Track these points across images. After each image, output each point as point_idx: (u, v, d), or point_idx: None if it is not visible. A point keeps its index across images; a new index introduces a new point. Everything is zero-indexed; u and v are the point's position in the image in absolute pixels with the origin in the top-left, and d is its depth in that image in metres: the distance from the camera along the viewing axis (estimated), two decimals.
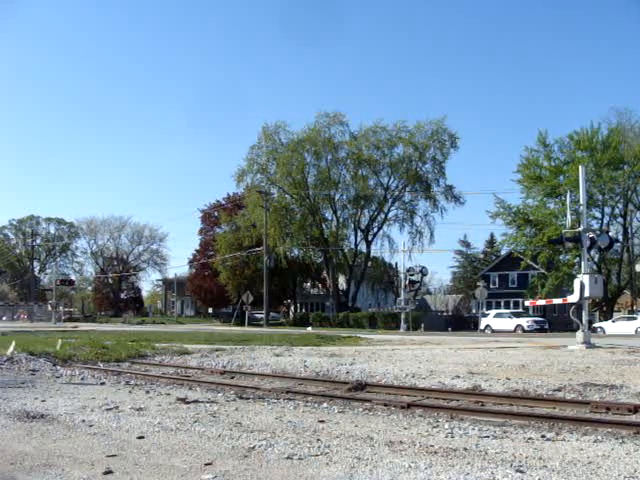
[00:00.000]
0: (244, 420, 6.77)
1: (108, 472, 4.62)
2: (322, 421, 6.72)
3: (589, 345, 17.11)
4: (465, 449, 5.30)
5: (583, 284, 17.61)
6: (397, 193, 54.36)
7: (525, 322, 43.10)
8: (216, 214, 64.32)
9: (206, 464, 4.83)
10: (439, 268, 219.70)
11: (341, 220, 54.65)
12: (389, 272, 64.14)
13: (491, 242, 77.08)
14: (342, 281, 58.66)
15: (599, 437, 5.87)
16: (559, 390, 9.03)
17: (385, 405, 7.96)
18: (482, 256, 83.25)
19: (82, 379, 10.90)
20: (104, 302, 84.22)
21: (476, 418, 7.08)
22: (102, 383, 10.33)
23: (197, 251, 67.73)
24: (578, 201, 19.62)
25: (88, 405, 7.76)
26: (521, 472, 4.51)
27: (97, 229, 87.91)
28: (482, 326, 44.11)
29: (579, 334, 17.59)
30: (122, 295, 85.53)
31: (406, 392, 9.13)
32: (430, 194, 53.38)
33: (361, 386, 9.54)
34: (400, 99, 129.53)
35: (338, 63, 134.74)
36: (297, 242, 53.63)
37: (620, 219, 48.19)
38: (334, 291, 55.46)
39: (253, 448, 5.39)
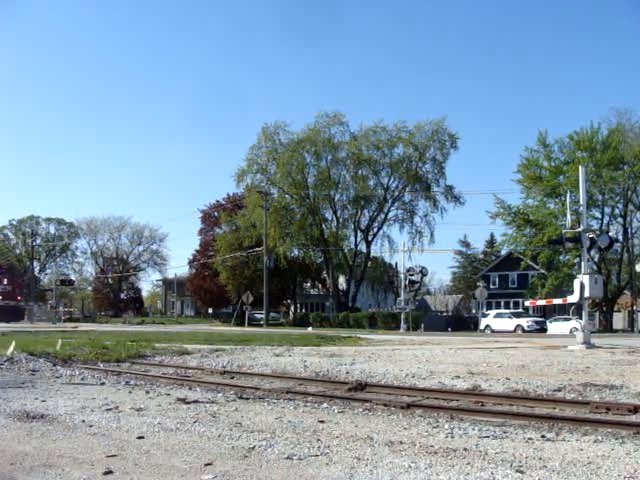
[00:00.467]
0: (244, 420, 6.77)
1: (108, 472, 4.63)
2: (322, 421, 6.72)
3: (589, 345, 17.11)
4: (465, 449, 5.30)
5: (583, 284, 17.62)
6: (397, 193, 54.39)
7: (525, 322, 43.13)
8: (216, 214, 64.35)
9: (206, 464, 4.84)
10: (439, 268, 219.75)
11: (341, 220, 54.67)
12: (389, 272, 64.15)
13: (491, 242, 77.12)
14: (342, 281, 58.68)
15: (599, 437, 5.87)
16: (559, 390, 9.03)
17: (385, 405, 7.96)
18: (482, 256, 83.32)
19: (82, 379, 10.90)
20: (104, 302, 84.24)
21: (476, 418, 7.08)
22: (102, 383, 10.33)
23: (197, 251, 67.78)
24: (578, 201, 19.63)
25: (88, 405, 7.76)
26: (521, 472, 4.51)
27: (97, 229, 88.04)
28: (482, 326, 44.13)
29: (579, 334, 17.60)
30: (122, 295, 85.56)
31: (406, 392, 9.13)
32: (430, 194, 53.40)
33: (361, 386, 9.54)
34: (400, 99, 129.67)
35: (338, 63, 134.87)
36: (297, 242, 53.64)
37: (620, 219, 48.20)
38: (334, 291, 55.47)
39: (253, 448, 5.39)
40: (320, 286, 66.45)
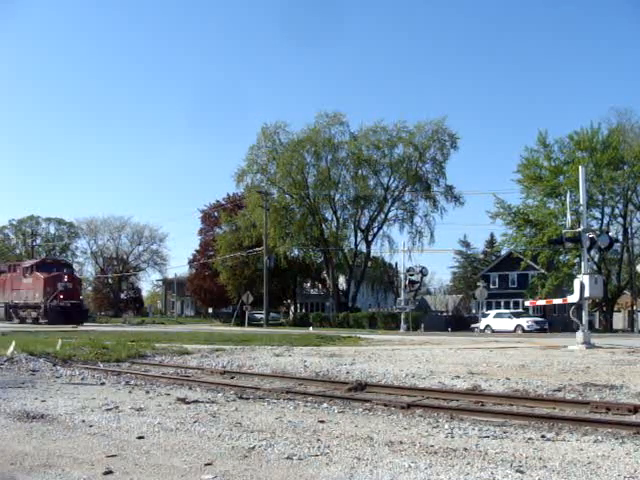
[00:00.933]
0: (244, 420, 6.77)
1: (108, 472, 4.63)
2: (322, 421, 6.72)
3: (589, 345, 17.11)
4: (465, 449, 5.30)
5: (583, 284, 17.61)
6: (397, 193, 54.39)
7: (525, 322, 43.11)
8: (216, 214, 64.35)
9: (206, 464, 4.84)
10: (439, 268, 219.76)
11: (341, 220, 54.68)
12: (389, 272, 64.14)
13: (491, 242, 77.14)
14: (342, 281, 58.67)
15: (599, 437, 5.87)
16: (559, 390, 9.03)
17: (385, 405, 7.96)
18: (482, 256, 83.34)
19: (82, 379, 10.90)
20: (104, 302, 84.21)
21: (476, 418, 7.08)
22: (102, 383, 10.33)
23: (197, 251, 67.76)
24: (578, 201, 19.63)
25: (88, 405, 7.76)
26: (521, 472, 4.51)
27: (97, 229, 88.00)
28: (482, 326, 44.12)
29: (579, 334, 17.60)
30: (122, 295, 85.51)
31: (406, 392, 9.13)
32: (430, 194, 53.40)
33: (361, 386, 9.54)
34: (400, 99, 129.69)
35: (338, 63, 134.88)
36: (297, 242, 53.62)
37: (620, 219, 48.24)
38: (334, 291, 55.46)
39: (253, 448, 5.39)
40: (320, 286, 66.43)
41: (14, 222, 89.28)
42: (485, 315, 46.43)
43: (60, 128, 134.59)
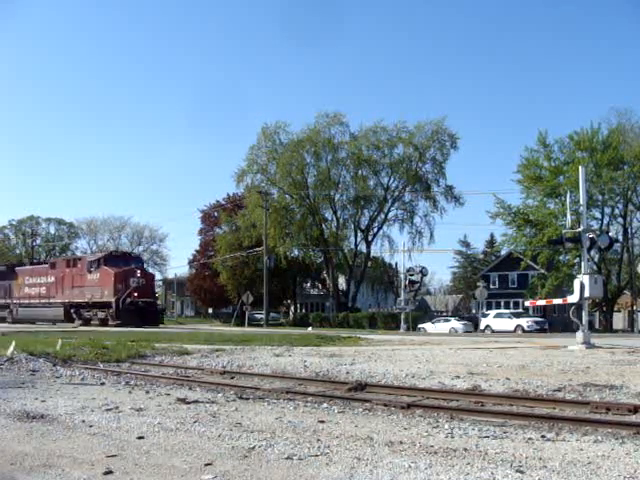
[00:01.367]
0: (244, 420, 6.77)
1: (108, 472, 4.63)
2: (322, 421, 6.72)
3: (589, 345, 17.11)
4: (465, 449, 5.30)
5: (583, 284, 17.61)
6: (397, 193, 54.44)
7: (525, 322, 43.14)
8: (216, 214, 64.38)
9: (206, 464, 4.84)
10: (439, 268, 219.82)
11: (341, 220, 54.72)
12: (389, 272, 64.20)
13: (491, 242, 77.17)
14: (342, 281, 58.70)
15: (599, 437, 5.87)
16: (559, 390, 9.03)
17: (385, 405, 7.95)
18: (482, 256, 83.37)
19: (82, 379, 10.90)
20: None
21: (476, 418, 7.08)
22: (102, 383, 10.33)
23: (197, 251, 67.82)
24: (578, 201, 19.62)
25: (88, 405, 7.76)
26: (521, 472, 4.51)
27: (97, 229, 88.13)
28: (482, 326, 44.14)
29: (579, 334, 17.59)
30: None
31: (406, 392, 9.13)
32: (430, 194, 53.46)
33: (361, 386, 9.54)
34: (400, 99, 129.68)
35: (338, 63, 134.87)
36: (297, 242, 53.66)
37: (620, 219, 48.29)
38: (334, 291, 55.49)
39: (253, 448, 5.39)
40: (320, 286, 66.47)
41: (14, 222, 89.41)
42: (485, 315, 46.44)
43: (60, 128, 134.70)
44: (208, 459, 4.99)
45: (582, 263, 19.04)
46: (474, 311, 59.19)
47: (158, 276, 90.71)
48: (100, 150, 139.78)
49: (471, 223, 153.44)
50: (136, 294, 36.05)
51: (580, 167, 20.26)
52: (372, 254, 56.45)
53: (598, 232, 21.31)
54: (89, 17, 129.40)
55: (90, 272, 38.15)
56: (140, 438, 5.80)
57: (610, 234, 23.38)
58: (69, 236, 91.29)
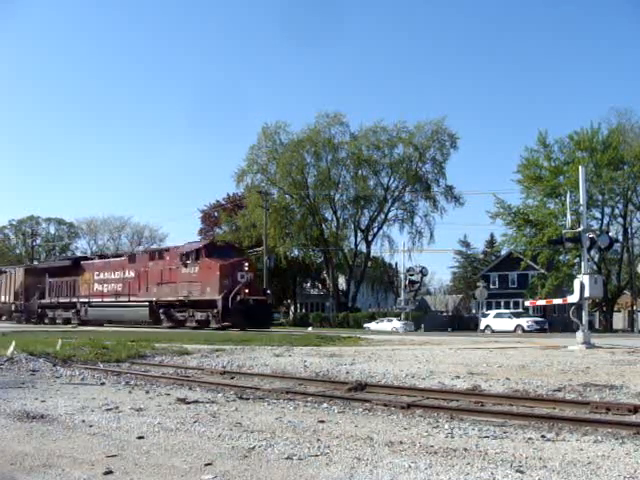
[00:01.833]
0: (244, 420, 6.77)
1: (108, 472, 4.63)
2: (322, 421, 6.72)
3: (589, 345, 17.10)
4: (465, 449, 5.30)
5: (583, 284, 17.61)
6: (397, 193, 54.50)
7: (525, 322, 43.18)
8: (216, 214, 64.41)
9: (206, 464, 4.84)
10: (439, 268, 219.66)
11: (341, 220, 54.76)
12: (389, 272, 64.22)
13: (491, 242, 77.18)
14: (342, 281, 58.74)
15: (599, 437, 5.87)
16: (559, 390, 9.03)
17: (385, 405, 7.95)
18: (482, 256, 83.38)
19: (82, 379, 10.90)
20: None
21: (476, 418, 7.08)
22: (102, 383, 10.33)
23: None
24: (578, 201, 19.61)
25: (88, 405, 7.76)
26: (521, 472, 4.51)
27: (97, 229, 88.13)
28: (482, 326, 44.17)
29: (579, 334, 17.59)
30: None
31: (406, 392, 9.13)
32: (430, 194, 53.53)
33: (361, 386, 9.54)
34: (400, 99, 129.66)
35: (338, 63, 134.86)
36: (297, 242, 53.70)
37: (620, 219, 48.35)
38: (334, 291, 55.52)
39: (253, 448, 5.39)
40: (320, 286, 66.48)
41: (14, 222, 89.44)
42: (485, 315, 46.47)
43: (60, 128, 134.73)
44: (208, 459, 4.99)
45: (582, 263, 19.03)
46: (474, 311, 59.20)
47: None
48: (100, 150, 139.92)
49: (471, 223, 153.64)
50: (247, 290, 30.06)
51: (580, 167, 20.26)
52: (372, 254, 56.55)
53: (598, 232, 21.31)
54: (89, 17, 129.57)
55: (186, 265, 31.67)
56: (140, 438, 5.80)
57: (610, 234, 23.38)
58: (69, 236, 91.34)
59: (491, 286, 60.59)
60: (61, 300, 39.51)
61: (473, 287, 58.53)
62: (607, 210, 47.85)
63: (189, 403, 7.99)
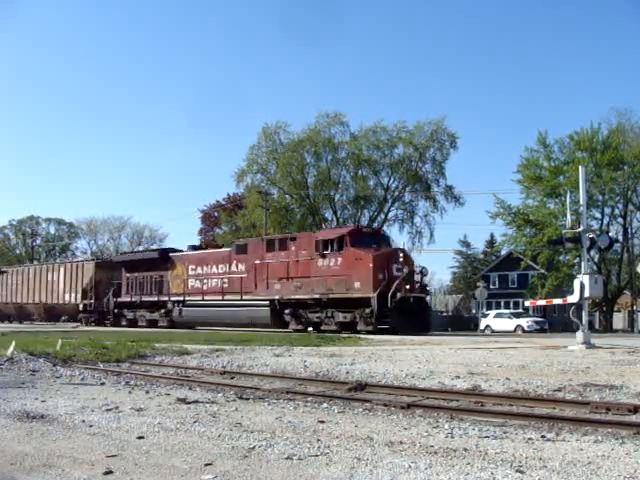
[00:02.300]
0: (244, 420, 6.78)
1: (108, 472, 4.63)
2: (322, 421, 6.72)
3: (589, 345, 17.10)
4: (465, 449, 5.30)
5: (583, 284, 17.60)
6: (397, 193, 54.46)
7: (525, 322, 43.18)
8: (216, 214, 64.44)
9: (206, 464, 4.84)
10: (439, 268, 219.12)
11: (341, 220, 54.68)
12: None
13: (491, 242, 77.16)
14: None
15: (599, 437, 5.87)
16: (559, 390, 9.03)
17: (385, 405, 7.96)
18: (482, 256, 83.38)
19: (82, 379, 10.90)
20: None
21: (476, 418, 7.08)
22: (102, 383, 10.33)
23: None
24: (578, 201, 19.61)
25: (88, 405, 7.76)
26: (521, 472, 4.51)
27: (97, 229, 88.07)
28: (482, 326, 44.17)
29: (579, 334, 17.59)
30: None
31: (406, 392, 9.13)
32: (430, 194, 53.46)
33: (361, 386, 9.54)
34: (400, 99, 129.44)
35: (338, 63, 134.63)
36: None
37: (620, 219, 48.35)
38: None
39: (253, 448, 5.39)
40: None
41: (14, 222, 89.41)
42: (485, 315, 46.47)
43: (60, 128, 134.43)
44: (208, 459, 4.99)
45: (582, 263, 19.03)
46: (474, 311, 59.21)
47: None
48: (100, 150, 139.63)
49: (471, 223, 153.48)
50: (408, 287, 24.70)
51: (580, 167, 20.26)
52: None
53: (598, 232, 21.30)
54: (89, 17, 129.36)
55: (323, 256, 25.89)
56: (140, 438, 5.81)
57: (610, 234, 23.34)
58: (69, 236, 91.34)
59: (491, 286, 60.59)
60: (145, 298, 33.48)
61: (473, 287, 58.51)
62: (607, 210, 47.89)
63: (189, 403, 7.99)
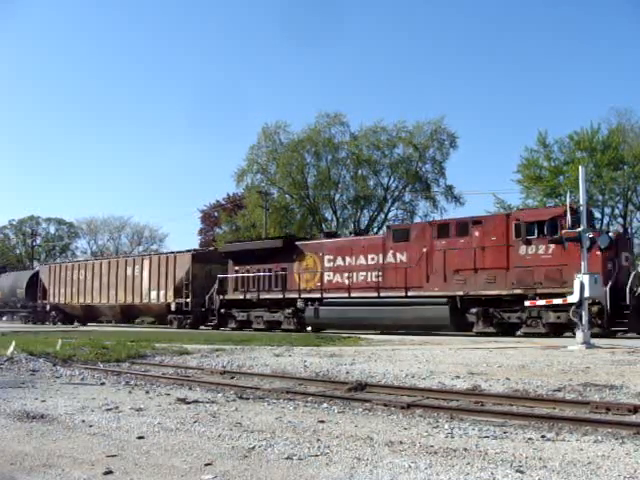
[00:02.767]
0: (244, 420, 6.77)
1: (108, 472, 4.63)
2: (322, 421, 6.72)
3: (589, 345, 17.09)
4: (465, 449, 5.30)
5: (583, 284, 17.59)
6: (397, 193, 54.42)
7: None
8: (216, 214, 64.38)
9: (206, 464, 4.84)
10: None
11: (341, 220, 54.68)
12: None
13: None
14: None
15: (599, 437, 5.87)
16: (559, 390, 9.03)
17: (385, 405, 7.96)
18: None
19: (82, 379, 10.90)
20: None
21: (476, 418, 7.08)
22: (102, 383, 10.33)
23: None
24: (578, 201, 19.60)
25: (88, 405, 7.76)
26: (521, 472, 4.51)
27: (97, 229, 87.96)
28: None
29: (579, 334, 17.58)
30: None
31: (406, 392, 9.13)
32: (430, 194, 53.44)
33: (361, 386, 9.54)
34: (400, 99, 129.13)
35: (338, 63, 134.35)
36: None
37: (620, 219, 48.23)
38: None
39: (253, 448, 5.39)
40: None
41: (14, 222, 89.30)
42: None
43: (60, 128, 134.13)
44: (208, 459, 4.99)
45: (582, 263, 19.02)
46: None
47: None
48: (100, 150, 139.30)
49: None
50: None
51: (580, 167, 20.22)
52: None
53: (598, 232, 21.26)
54: (89, 17, 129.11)
55: (528, 242, 21.39)
56: (140, 438, 5.81)
57: (610, 234, 23.30)
58: (69, 236, 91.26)
59: None
60: (263, 296, 28.03)
61: None
62: (607, 210, 47.84)
63: (189, 403, 7.99)
